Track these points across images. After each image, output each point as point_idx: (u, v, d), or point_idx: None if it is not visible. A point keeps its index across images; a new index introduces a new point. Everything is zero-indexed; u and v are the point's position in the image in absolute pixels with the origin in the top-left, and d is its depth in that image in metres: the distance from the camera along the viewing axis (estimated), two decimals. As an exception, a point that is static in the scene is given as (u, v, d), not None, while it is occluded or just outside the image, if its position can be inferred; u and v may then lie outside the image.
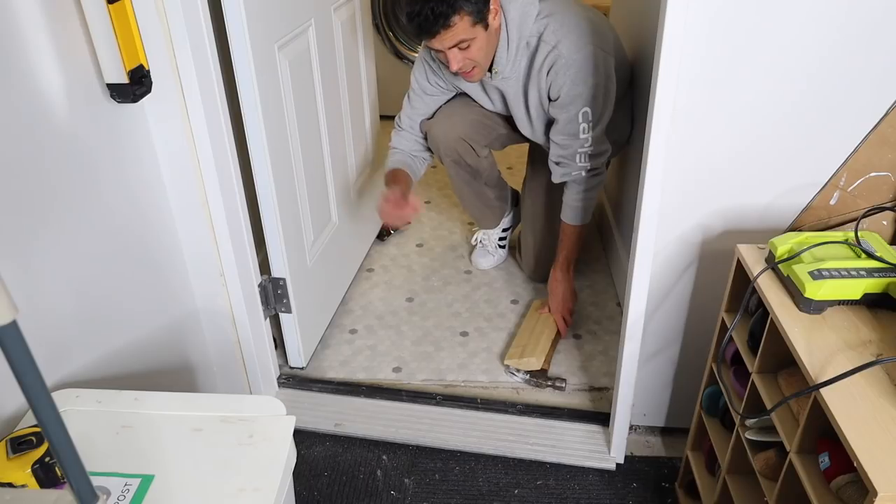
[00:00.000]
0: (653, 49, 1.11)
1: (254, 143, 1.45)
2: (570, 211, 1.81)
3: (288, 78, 1.52)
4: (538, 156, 1.98)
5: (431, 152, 1.91)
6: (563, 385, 1.72)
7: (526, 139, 1.96)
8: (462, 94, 1.87)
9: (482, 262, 2.18)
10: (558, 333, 1.85)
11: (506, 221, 2.16)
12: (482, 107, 1.86)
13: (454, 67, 1.54)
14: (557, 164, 1.74)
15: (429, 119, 1.87)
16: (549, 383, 1.72)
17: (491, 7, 1.50)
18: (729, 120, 1.16)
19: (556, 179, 1.78)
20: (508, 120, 1.91)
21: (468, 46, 1.51)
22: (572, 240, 1.85)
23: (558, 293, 1.87)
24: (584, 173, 1.73)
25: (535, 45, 1.61)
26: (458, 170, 1.92)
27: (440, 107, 1.87)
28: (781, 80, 1.12)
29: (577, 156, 1.70)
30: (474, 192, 2.02)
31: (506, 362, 1.76)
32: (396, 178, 1.83)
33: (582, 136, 1.66)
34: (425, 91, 1.83)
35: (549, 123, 1.75)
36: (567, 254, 1.87)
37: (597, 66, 1.59)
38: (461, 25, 1.46)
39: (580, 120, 1.64)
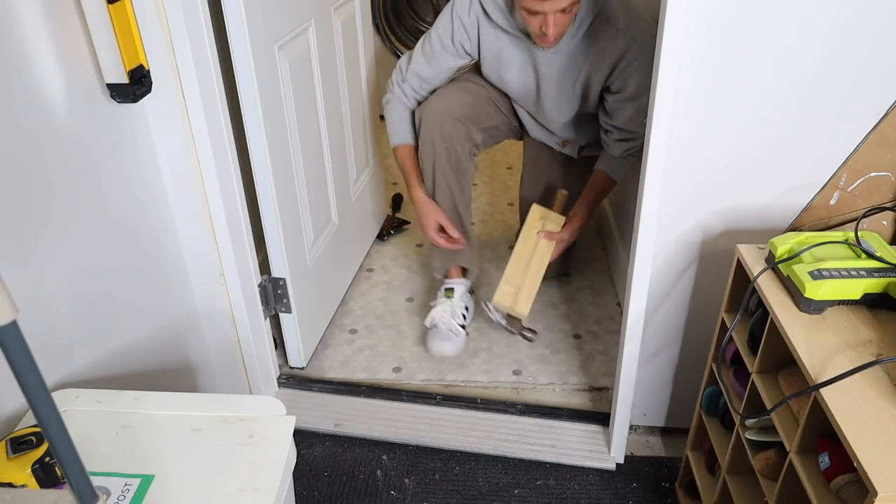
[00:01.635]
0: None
1: (254, 143, 1.45)
2: (617, 166, 1.76)
3: (288, 78, 1.52)
4: (534, 148, 1.94)
5: None
6: (533, 337, 1.73)
7: (516, 136, 1.93)
8: (458, 78, 1.80)
9: (447, 348, 1.80)
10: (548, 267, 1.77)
11: (469, 284, 1.92)
12: (483, 90, 1.80)
13: (553, 32, 1.48)
14: (624, 140, 1.70)
15: (419, 105, 1.77)
16: (520, 331, 1.73)
17: None
18: (729, 120, 1.16)
19: (618, 153, 1.73)
20: (505, 113, 1.87)
21: (571, 9, 1.47)
22: (605, 192, 1.80)
23: (577, 225, 1.78)
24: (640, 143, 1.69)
25: (600, 28, 1.55)
26: (446, 169, 1.73)
27: (434, 90, 1.78)
28: (781, 80, 1.12)
29: (638, 133, 1.67)
30: (457, 206, 1.79)
31: (494, 302, 1.70)
32: (413, 170, 1.77)
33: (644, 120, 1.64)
34: (444, 47, 1.70)
35: (581, 109, 1.71)
36: (598, 200, 1.80)
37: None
38: None
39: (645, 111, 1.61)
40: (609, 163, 1.77)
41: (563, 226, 1.78)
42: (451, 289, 1.87)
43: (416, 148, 1.78)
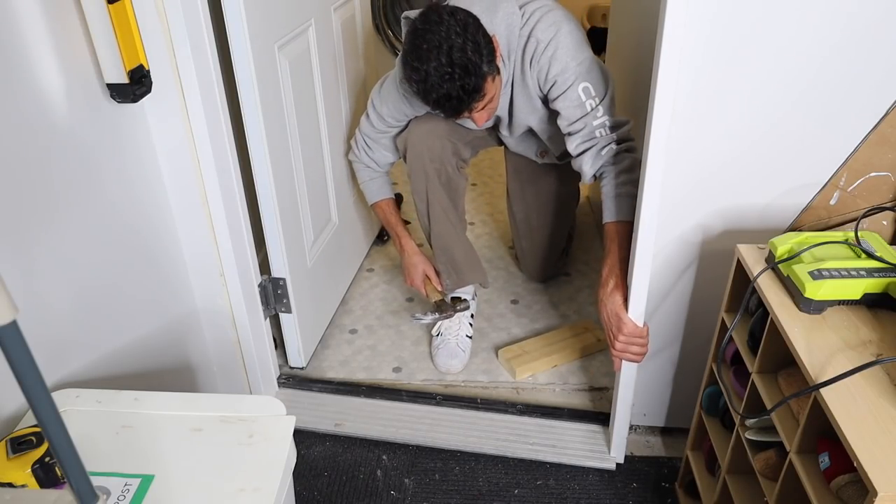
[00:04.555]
0: (652, 48, 1.11)
1: (254, 143, 1.45)
2: (621, 201, 1.39)
3: (288, 78, 1.52)
4: (515, 160, 1.91)
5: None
6: (462, 306, 1.78)
7: (498, 143, 1.89)
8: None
9: (455, 364, 1.77)
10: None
11: (473, 290, 1.91)
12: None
13: (481, 124, 1.46)
14: (584, 151, 1.44)
15: (400, 133, 1.74)
16: (452, 310, 1.79)
17: (496, 52, 1.37)
18: (729, 120, 1.16)
19: (590, 172, 1.44)
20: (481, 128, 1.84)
21: (492, 100, 1.44)
22: (628, 241, 1.34)
23: (619, 312, 1.32)
24: (614, 146, 1.41)
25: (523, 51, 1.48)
26: (438, 189, 1.70)
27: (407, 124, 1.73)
28: (782, 80, 1.12)
29: (597, 130, 1.42)
30: (454, 226, 1.75)
31: (501, 359, 1.79)
32: (398, 221, 1.83)
33: (590, 111, 1.42)
34: (397, 120, 1.70)
35: (547, 131, 1.63)
36: (625, 262, 1.35)
37: (579, 43, 1.45)
38: (489, 87, 1.38)
39: (583, 97, 1.42)
40: (613, 205, 1.41)
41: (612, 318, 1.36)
42: (459, 297, 1.86)
43: (396, 200, 1.86)
